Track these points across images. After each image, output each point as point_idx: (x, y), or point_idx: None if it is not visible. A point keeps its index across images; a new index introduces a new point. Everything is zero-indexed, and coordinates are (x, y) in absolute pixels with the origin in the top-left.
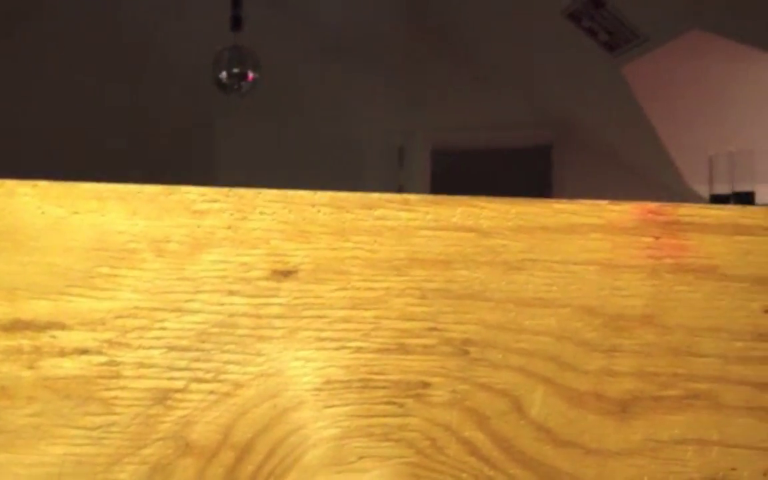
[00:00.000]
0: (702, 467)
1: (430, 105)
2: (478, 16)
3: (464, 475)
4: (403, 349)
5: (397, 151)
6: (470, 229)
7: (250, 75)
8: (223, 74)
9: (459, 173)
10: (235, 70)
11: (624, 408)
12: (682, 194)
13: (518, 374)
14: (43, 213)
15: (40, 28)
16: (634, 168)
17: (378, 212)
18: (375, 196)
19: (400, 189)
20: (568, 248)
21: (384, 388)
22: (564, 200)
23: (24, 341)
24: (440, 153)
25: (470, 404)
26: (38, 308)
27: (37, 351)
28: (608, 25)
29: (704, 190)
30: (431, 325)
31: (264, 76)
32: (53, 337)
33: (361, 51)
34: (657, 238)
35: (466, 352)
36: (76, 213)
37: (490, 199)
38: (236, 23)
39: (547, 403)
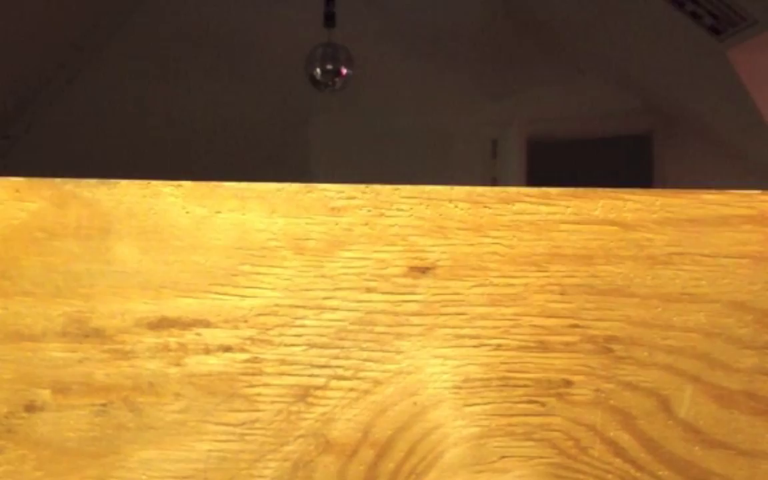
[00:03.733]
0: None
1: (524, 96)
2: (572, 4)
3: (609, 477)
4: (543, 347)
5: (491, 143)
6: (613, 223)
7: (344, 71)
8: (317, 71)
9: (556, 164)
10: (329, 67)
11: None
12: None
13: (666, 373)
14: (187, 213)
15: (134, 34)
16: (740, 156)
17: (516, 206)
18: (513, 190)
19: (493, 181)
20: (717, 241)
21: (525, 386)
22: (713, 191)
23: (170, 339)
24: (536, 144)
25: (615, 404)
26: (184, 306)
27: (183, 348)
28: (713, 8)
29: None
30: (573, 322)
31: (358, 71)
32: (198, 334)
33: (454, 43)
34: None
35: (610, 350)
36: (218, 212)
37: (634, 190)
38: (329, 20)
39: (696, 403)
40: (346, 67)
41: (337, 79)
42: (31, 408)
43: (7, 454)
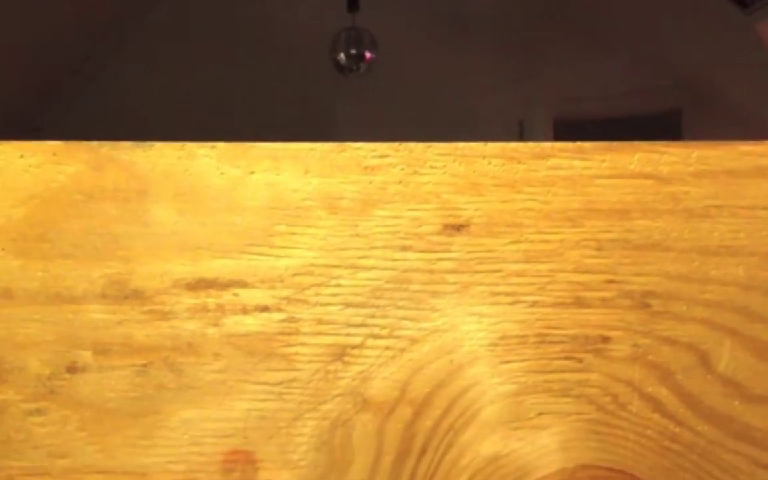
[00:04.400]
0: None
1: (550, 76)
2: None
3: (648, 432)
4: (580, 303)
5: (518, 125)
6: (649, 176)
7: (368, 55)
8: (341, 56)
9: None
10: (353, 51)
11: None
12: None
13: (704, 327)
14: (221, 174)
15: (159, 23)
16: None
17: (551, 162)
18: (547, 145)
19: None
20: (756, 193)
21: (561, 342)
22: (750, 142)
23: (208, 299)
24: (562, 123)
25: (653, 359)
26: (220, 267)
27: (221, 309)
28: None
29: None
30: (609, 277)
31: (382, 55)
32: (235, 294)
33: (478, 24)
34: None
35: (648, 305)
36: (253, 173)
37: (670, 143)
38: (353, 4)
39: (735, 357)
40: (370, 51)
41: (361, 64)
42: (72, 369)
43: (51, 416)
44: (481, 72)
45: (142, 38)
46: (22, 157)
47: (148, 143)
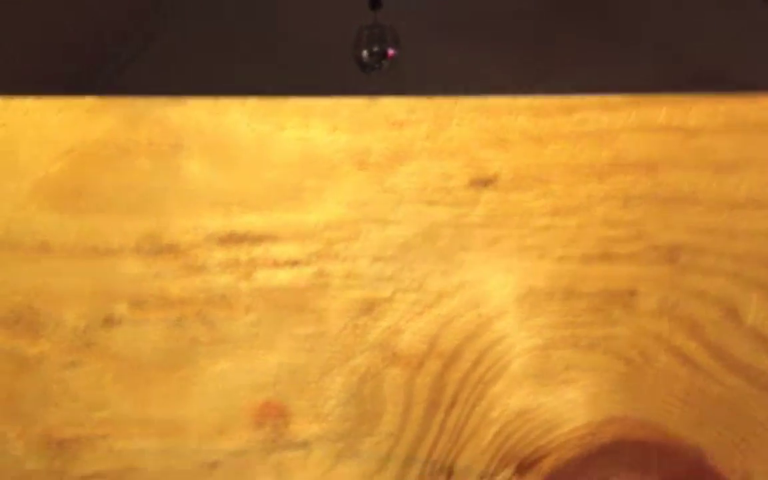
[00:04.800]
0: None
1: (572, 74)
2: None
3: (676, 386)
4: (607, 257)
5: None
6: (676, 130)
7: (391, 52)
8: (364, 53)
9: None
10: (375, 49)
11: None
12: None
13: (732, 280)
14: (252, 130)
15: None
16: None
17: (578, 116)
18: (576, 98)
19: None
20: None
21: (589, 297)
22: None
23: (240, 253)
24: None
25: (681, 312)
26: (252, 221)
27: (252, 263)
28: None
29: None
30: (637, 231)
31: (404, 52)
32: (266, 249)
33: (500, 22)
34: None
35: (675, 259)
36: (282, 129)
37: (697, 96)
38: (375, 2)
39: (763, 309)
40: (393, 48)
41: (384, 61)
42: (109, 322)
43: (87, 368)
44: (504, 70)
45: (166, 35)
46: (59, 112)
47: (181, 98)
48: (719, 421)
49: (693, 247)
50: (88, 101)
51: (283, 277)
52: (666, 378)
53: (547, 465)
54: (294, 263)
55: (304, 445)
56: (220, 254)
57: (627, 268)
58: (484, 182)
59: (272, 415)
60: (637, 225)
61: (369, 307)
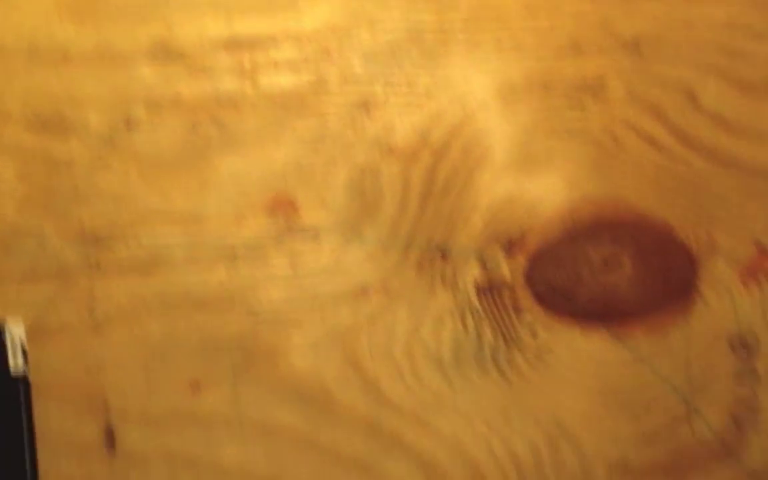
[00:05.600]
0: None
1: None
2: None
3: (646, 168)
4: (579, 52)
5: None
6: None
7: None
8: None
9: None
10: None
11: None
12: None
13: (691, 68)
14: None
15: None
16: None
17: None
18: None
19: None
20: None
21: (563, 89)
22: None
23: (244, 58)
24: None
25: (646, 99)
26: (253, 26)
27: (256, 67)
28: None
29: None
30: (604, 25)
31: None
32: (268, 53)
33: None
34: None
35: (639, 50)
36: None
37: None
38: None
39: (720, 93)
40: None
41: None
42: (129, 123)
43: (113, 166)
44: None
45: None
46: None
47: None
48: (685, 198)
49: (655, 39)
50: None
51: (285, 81)
52: (636, 160)
53: (532, 243)
54: (293, 66)
55: (313, 232)
56: (225, 60)
57: (596, 60)
58: None
59: (283, 205)
60: (604, 19)
61: (365, 107)
